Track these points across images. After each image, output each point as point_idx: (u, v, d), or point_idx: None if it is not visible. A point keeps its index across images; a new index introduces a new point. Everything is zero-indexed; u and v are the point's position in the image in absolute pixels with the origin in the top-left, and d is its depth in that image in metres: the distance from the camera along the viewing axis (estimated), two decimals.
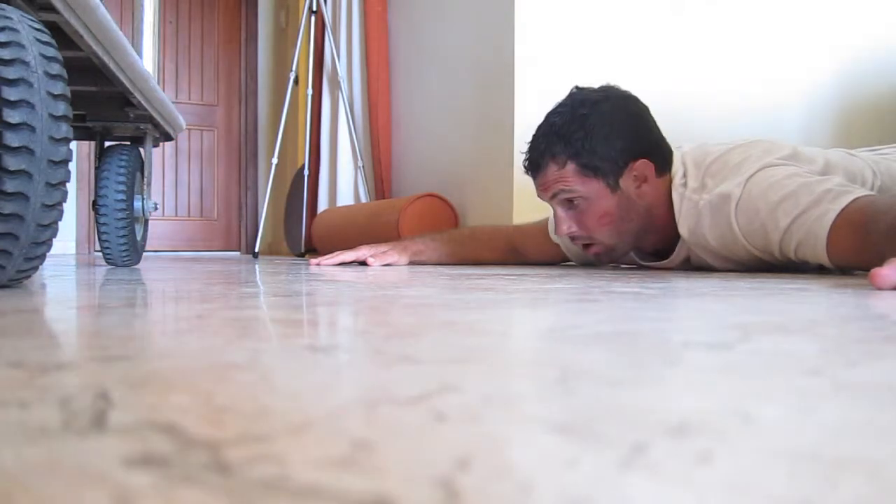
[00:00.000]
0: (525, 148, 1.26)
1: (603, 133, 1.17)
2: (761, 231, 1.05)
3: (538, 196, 1.26)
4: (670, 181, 1.18)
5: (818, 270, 1.15)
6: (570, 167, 1.17)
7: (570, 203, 1.20)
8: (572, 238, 1.24)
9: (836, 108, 2.32)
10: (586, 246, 1.24)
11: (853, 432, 0.20)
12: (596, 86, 1.23)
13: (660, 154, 1.20)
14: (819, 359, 0.32)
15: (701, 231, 1.13)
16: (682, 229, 1.16)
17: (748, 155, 1.11)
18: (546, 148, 1.20)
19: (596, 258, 1.26)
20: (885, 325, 0.46)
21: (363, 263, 1.45)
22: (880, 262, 0.74)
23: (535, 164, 1.22)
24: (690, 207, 1.14)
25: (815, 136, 2.22)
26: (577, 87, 1.24)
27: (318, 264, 1.48)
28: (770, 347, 0.35)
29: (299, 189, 3.02)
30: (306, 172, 2.99)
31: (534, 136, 1.24)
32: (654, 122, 1.23)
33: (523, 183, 1.94)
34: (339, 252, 1.48)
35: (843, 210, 0.95)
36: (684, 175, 1.16)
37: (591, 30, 2.00)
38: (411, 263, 1.48)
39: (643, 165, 1.18)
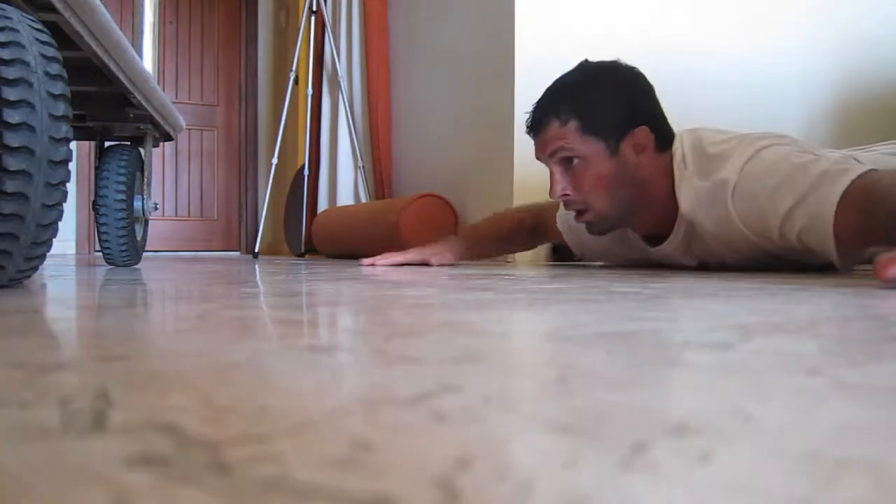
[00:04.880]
0: (529, 110, 1.24)
1: (609, 96, 1.18)
2: (760, 216, 1.05)
3: (536, 156, 1.25)
4: (671, 159, 1.18)
5: (818, 266, 1.15)
6: (572, 125, 1.17)
7: (567, 164, 1.19)
8: (566, 203, 1.22)
9: (834, 107, 2.32)
10: (578, 214, 1.22)
11: (853, 432, 0.20)
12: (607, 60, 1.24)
13: (662, 130, 1.20)
14: (819, 359, 0.32)
15: (699, 216, 1.13)
16: (682, 204, 1.15)
17: (743, 140, 1.11)
18: (550, 105, 1.19)
19: (587, 227, 1.24)
20: (885, 325, 0.46)
21: (422, 264, 1.43)
22: (887, 241, 0.74)
23: (537, 122, 1.21)
24: (690, 189, 1.14)
25: (814, 135, 2.22)
26: (586, 60, 1.24)
27: (371, 265, 1.45)
28: (770, 347, 0.35)
29: (299, 189, 3.02)
30: (306, 172, 2.99)
31: (540, 97, 1.23)
32: (658, 101, 1.23)
33: (523, 183, 1.95)
34: (389, 254, 1.47)
35: (845, 191, 0.95)
36: (683, 156, 1.16)
37: (591, 30, 2.00)
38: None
39: (644, 134, 1.17)
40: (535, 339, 0.42)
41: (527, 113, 1.25)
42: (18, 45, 0.67)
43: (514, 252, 1.54)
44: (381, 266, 1.43)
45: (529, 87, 1.92)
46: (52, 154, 0.68)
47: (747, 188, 1.06)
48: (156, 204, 1.63)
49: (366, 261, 1.47)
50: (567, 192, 1.19)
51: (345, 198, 2.83)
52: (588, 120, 1.17)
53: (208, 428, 0.20)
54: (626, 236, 1.32)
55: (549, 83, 1.24)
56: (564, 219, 1.43)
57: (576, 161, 1.17)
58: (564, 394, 0.25)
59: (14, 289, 0.75)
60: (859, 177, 0.95)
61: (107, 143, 1.55)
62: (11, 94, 0.65)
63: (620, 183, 1.18)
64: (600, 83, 1.19)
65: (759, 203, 1.04)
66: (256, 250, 2.90)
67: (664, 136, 1.20)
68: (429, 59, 2.52)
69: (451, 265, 1.45)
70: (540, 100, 1.22)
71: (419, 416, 0.21)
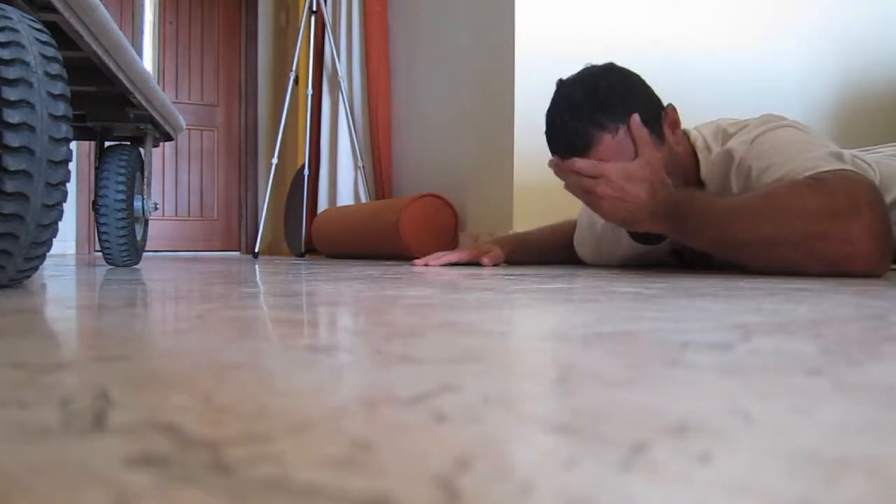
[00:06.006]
0: (546, 133, 1.16)
1: (633, 87, 1.14)
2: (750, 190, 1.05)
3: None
4: (692, 145, 1.17)
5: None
6: (623, 130, 1.09)
7: None
8: None
9: (834, 106, 2.32)
10: None
11: (853, 432, 0.20)
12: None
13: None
14: (819, 359, 0.32)
15: (714, 186, 1.12)
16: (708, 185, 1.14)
17: (760, 120, 1.12)
18: (589, 121, 1.10)
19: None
20: (885, 325, 0.46)
21: (471, 264, 1.41)
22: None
23: (583, 143, 1.10)
24: (712, 170, 1.13)
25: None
26: (586, 66, 1.19)
27: (425, 265, 1.41)
28: (770, 347, 0.35)
29: (299, 189, 3.02)
30: (306, 172, 2.99)
31: (556, 117, 1.14)
32: None
33: (523, 183, 1.95)
34: (441, 253, 1.45)
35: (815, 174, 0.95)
36: (705, 141, 1.15)
37: (591, 30, 2.00)
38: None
39: (672, 110, 1.15)
40: (535, 339, 0.42)
41: (546, 134, 1.16)
42: (18, 45, 0.67)
43: (558, 261, 1.52)
44: (434, 266, 1.40)
45: (529, 87, 1.93)
46: (52, 154, 0.68)
47: (745, 164, 1.06)
48: (156, 204, 1.63)
49: (418, 261, 1.44)
50: None
51: (345, 198, 2.83)
52: (638, 112, 1.10)
53: (208, 428, 0.20)
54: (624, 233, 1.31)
55: (549, 83, 1.23)
56: (580, 218, 1.41)
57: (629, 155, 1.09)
58: (564, 394, 0.25)
59: (14, 289, 0.75)
60: (826, 171, 0.96)
61: (107, 143, 1.55)
62: (11, 94, 0.65)
63: (672, 171, 1.11)
64: (618, 78, 1.15)
65: (750, 178, 1.05)
66: (256, 250, 2.90)
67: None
68: (429, 59, 2.52)
69: (504, 264, 1.44)
70: (565, 121, 1.12)
71: (419, 416, 0.21)
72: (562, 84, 1.17)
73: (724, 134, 1.14)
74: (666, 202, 1.04)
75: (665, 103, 1.20)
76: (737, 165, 1.07)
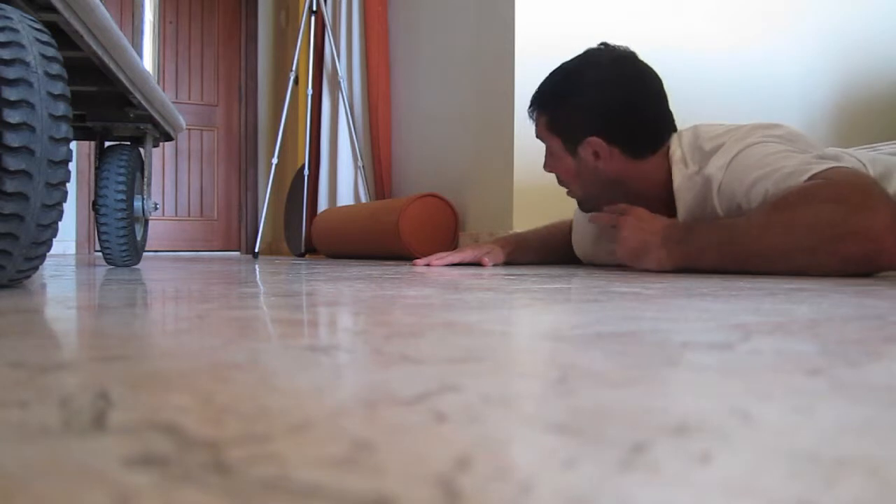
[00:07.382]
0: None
1: (575, 101, 1.24)
2: (737, 210, 1.06)
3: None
4: (664, 160, 1.19)
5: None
6: (543, 121, 1.29)
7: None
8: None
9: (834, 106, 2.32)
10: (569, 190, 1.33)
11: (853, 432, 0.20)
12: (621, 47, 1.25)
13: (636, 139, 1.22)
14: (819, 359, 0.32)
15: (695, 213, 1.14)
16: (680, 210, 1.16)
17: (734, 134, 1.13)
18: (538, 97, 1.31)
19: (578, 204, 1.37)
20: (885, 325, 0.46)
21: (472, 264, 1.41)
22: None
23: (529, 109, 1.34)
24: (690, 188, 1.14)
25: (814, 135, 2.22)
26: (604, 44, 1.27)
27: (427, 265, 1.41)
28: (770, 347, 0.35)
29: (299, 189, 3.02)
30: (306, 172, 2.99)
31: (542, 80, 1.33)
32: (649, 105, 1.23)
33: (523, 183, 1.95)
34: (443, 253, 1.45)
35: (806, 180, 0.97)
36: (683, 156, 1.17)
37: (591, 30, 2.00)
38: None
39: (596, 143, 1.22)
40: (535, 339, 0.42)
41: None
42: (18, 45, 0.67)
43: (558, 260, 1.53)
44: (435, 266, 1.40)
45: (529, 88, 1.92)
46: (52, 154, 0.68)
47: (729, 186, 1.07)
48: (156, 204, 1.63)
49: (420, 261, 1.45)
50: (548, 170, 1.32)
51: (345, 198, 2.83)
52: (552, 120, 1.27)
53: (208, 428, 0.20)
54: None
55: None
56: (576, 215, 1.43)
57: (547, 151, 1.30)
58: (564, 394, 0.25)
59: (14, 289, 0.75)
60: (820, 172, 0.97)
61: (107, 143, 1.55)
62: (11, 94, 0.65)
63: (588, 180, 1.26)
64: (574, 86, 1.24)
65: (737, 200, 1.06)
66: (256, 250, 2.90)
67: (641, 143, 1.21)
68: (429, 59, 2.52)
69: (504, 264, 1.44)
70: (539, 85, 1.31)
71: (419, 416, 0.21)
72: (588, 50, 1.28)
73: (700, 152, 1.16)
74: (667, 238, 1.09)
75: (654, 113, 1.22)
76: (717, 191, 1.09)
